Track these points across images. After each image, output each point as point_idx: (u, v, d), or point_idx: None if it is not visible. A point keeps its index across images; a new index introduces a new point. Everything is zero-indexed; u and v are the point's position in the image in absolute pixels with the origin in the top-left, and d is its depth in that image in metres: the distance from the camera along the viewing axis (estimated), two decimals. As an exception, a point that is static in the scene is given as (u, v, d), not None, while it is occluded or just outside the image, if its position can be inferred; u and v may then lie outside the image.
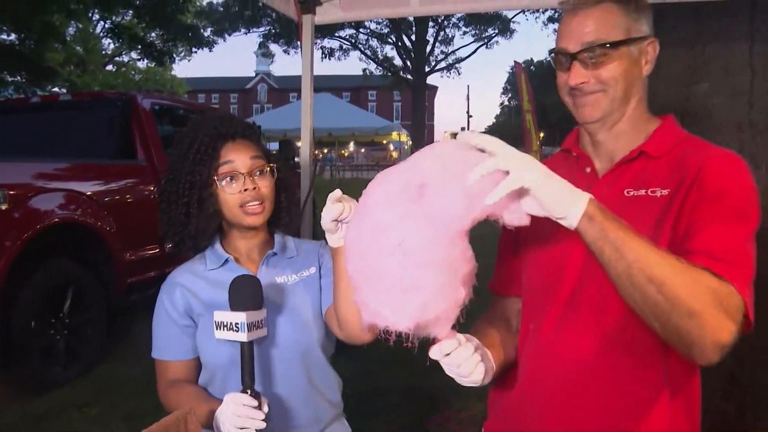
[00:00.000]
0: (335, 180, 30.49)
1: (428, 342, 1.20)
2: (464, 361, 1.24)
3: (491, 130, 69.85)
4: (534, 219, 1.56)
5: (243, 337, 1.48)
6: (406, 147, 28.51)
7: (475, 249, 1.17)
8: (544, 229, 1.51)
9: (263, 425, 1.47)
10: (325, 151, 37.41)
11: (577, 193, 1.17)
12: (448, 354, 1.22)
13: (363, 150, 45.68)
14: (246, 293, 1.53)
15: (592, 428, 1.43)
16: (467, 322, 1.24)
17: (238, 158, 1.75)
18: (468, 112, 71.41)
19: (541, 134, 19.83)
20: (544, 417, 1.50)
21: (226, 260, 1.81)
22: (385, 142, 30.47)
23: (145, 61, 30.40)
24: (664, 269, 1.16)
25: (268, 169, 1.80)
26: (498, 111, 77.25)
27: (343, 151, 41.46)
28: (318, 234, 1.99)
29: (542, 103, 35.32)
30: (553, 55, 1.52)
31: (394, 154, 37.30)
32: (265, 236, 1.89)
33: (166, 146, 5.92)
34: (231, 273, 1.73)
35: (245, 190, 1.73)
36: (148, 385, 4.46)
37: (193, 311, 1.77)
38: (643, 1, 1.50)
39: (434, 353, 1.21)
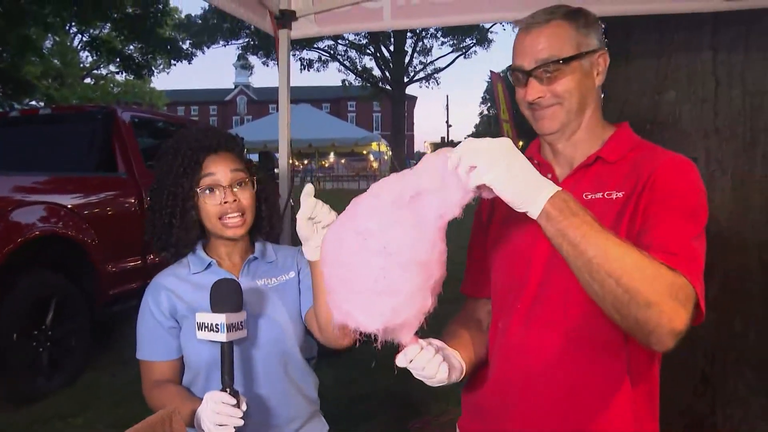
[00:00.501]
0: (316, 191, 30.37)
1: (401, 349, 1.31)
2: (427, 364, 1.32)
3: (471, 140, 69.87)
4: (500, 221, 1.65)
5: (222, 337, 1.55)
6: (386, 157, 28.63)
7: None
8: (510, 230, 1.61)
9: (241, 422, 1.53)
10: (306, 162, 37.41)
11: (538, 190, 1.25)
12: (411, 360, 1.31)
13: (343, 160, 45.73)
14: (226, 296, 1.60)
15: (560, 419, 1.51)
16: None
17: (219, 171, 1.82)
18: (447, 122, 71.98)
19: (521, 143, 19.98)
20: (513, 410, 1.57)
21: (209, 264, 1.88)
22: (365, 152, 30.56)
23: (124, 74, 30.26)
24: (623, 263, 1.22)
25: (248, 181, 1.87)
26: (477, 120, 77.69)
27: (323, 162, 41.49)
28: (297, 243, 2.07)
29: (520, 113, 35.46)
30: (510, 72, 1.60)
31: (374, 165, 37.39)
32: (245, 243, 1.96)
33: (147, 159, 5.96)
34: (214, 276, 1.79)
35: (225, 202, 1.81)
36: (132, 395, 4.51)
37: (178, 313, 1.83)
38: (592, 16, 1.59)
39: (400, 361, 1.30)
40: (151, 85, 45.86)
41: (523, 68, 1.54)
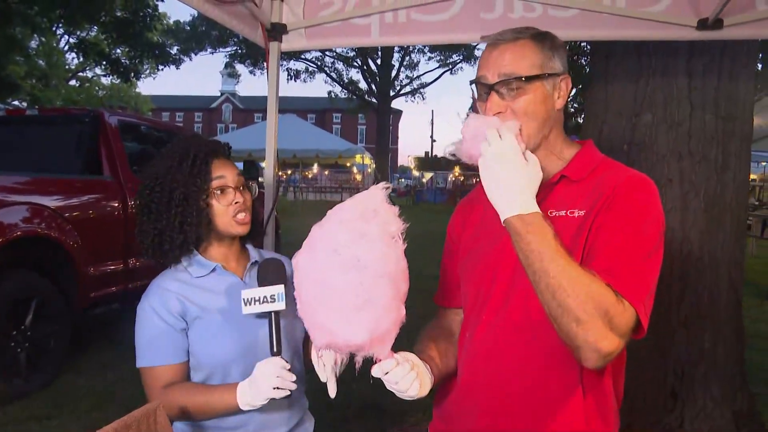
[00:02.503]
0: (299, 201, 30.44)
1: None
2: (401, 379, 1.42)
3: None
4: (471, 234, 1.72)
5: (281, 305, 1.69)
6: (369, 170, 28.70)
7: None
8: (479, 243, 1.69)
9: (295, 387, 1.66)
10: (289, 172, 37.37)
11: (511, 205, 1.38)
12: (387, 372, 1.40)
13: (327, 172, 45.73)
14: (277, 271, 1.76)
15: (520, 425, 1.57)
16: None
17: (227, 174, 1.93)
18: (432, 137, 72.08)
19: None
20: (478, 415, 1.64)
21: (215, 268, 1.95)
22: (349, 164, 30.60)
23: (110, 77, 30.12)
24: (560, 279, 1.32)
25: (246, 185, 1.99)
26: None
27: (307, 173, 41.49)
28: (278, 250, 2.16)
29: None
30: (473, 85, 1.66)
31: (358, 177, 37.43)
32: (239, 247, 2.05)
33: (132, 163, 5.98)
34: (221, 279, 1.93)
35: (236, 202, 1.92)
36: (109, 399, 4.53)
37: (188, 315, 1.87)
38: (558, 40, 1.64)
39: (375, 372, 1.40)
40: (137, 89, 45.67)
41: (487, 81, 1.58)
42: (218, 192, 1.91)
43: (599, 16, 2.79)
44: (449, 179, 47.00)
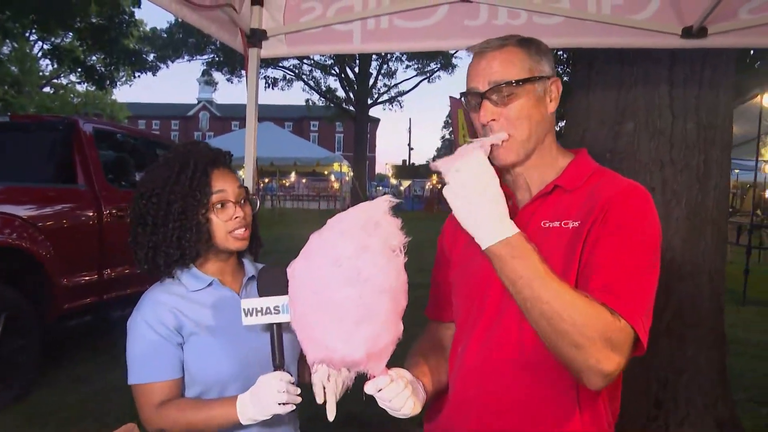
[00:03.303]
0: (276, 209, 30.31)
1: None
2: (395, 397, 1.37)
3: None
4: (462, 247, 1.68)
5: (286, 317, 1.60)
6: (347, 178, 28.65)
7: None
8: (471, 256, 1.64)
9: (299, 400, 1.60)
10: (267, 180, 37.19)
11: (490, 231, 1.34)
12: (381, 389, 1.36)
13: (304, 180, 45.61)
14: (278, 280, 1.63)
15: None
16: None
17: (228, 186, 1.85)
18: (409, 145, 72.40)
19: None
20: (470, 430, 1.59)
21: (211, 282, 1.88)
22: (326, 172, 30.56)
23: (85, 84, 29.75)
24: (554, 304, 1.29)
25: (246, 197, 1.92)
26: (439, 144, 78.39)
27: (284, 181, 41.29)
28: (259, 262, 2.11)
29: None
30: (464, 98, 1.64)
31: (335, 185, 37.36)
32: (236, 261, 1.99)
33: (108, 172, 5.88)
34: (217, 294, 1.86)
35: (236, 217, 1.84)
36: (83, 414, 4.41)
37: (184, 329, 1.81)
38: (544, 45, 1.63)
39: (369, 388, 1.35)
40: (113, 96, 45.22)
41: (477, 90, 1.56)
42: (218, 206, 1.84)
43: (584, 23, 2.77)
44: (426, 187, 47.13)
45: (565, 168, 1.63)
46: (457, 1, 2.88)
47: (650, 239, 1.46)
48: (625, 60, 3.58)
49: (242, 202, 1.88)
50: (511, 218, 1.58)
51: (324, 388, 1.51)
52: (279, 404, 1.58)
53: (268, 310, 1.62)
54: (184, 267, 1.86)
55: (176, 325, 1.80)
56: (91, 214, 5.57)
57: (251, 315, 1.63)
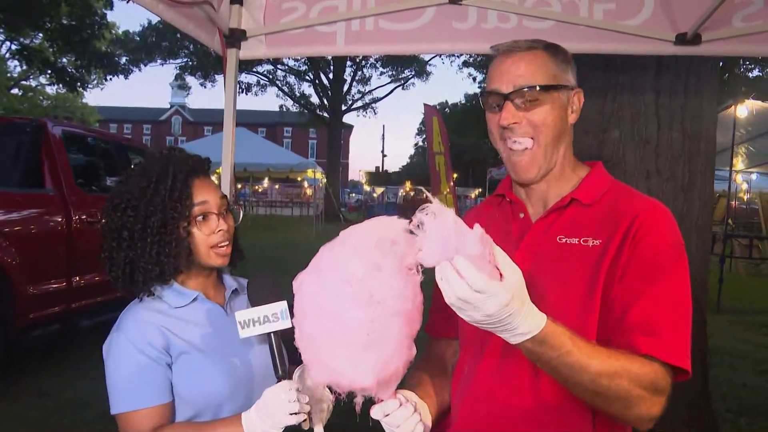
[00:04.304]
0: (249, 216, 30.09)
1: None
2: (404, 422, 1.26)
3: (405, 170, 70.89)
4: None
5: (287, 323, 1.49)
6: (320, 184, 28.46)
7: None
8: None
9: (308, 408, 1.47)
10: (240, 186, 36.91)
11: (513, 333, 1.16)
12: (388, 414, 1.24)
13: (278, 186, 45.43)
14: (271, 287, 1.56)
15: None
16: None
17: (210, 197, 1.74)
18: (383, 152, 72.43)
19: (455, 175, 20.25)
20: None
21: (195, 297, 1.77)
22: (299, 179, 30.37)
23: (55, 86, 29.22)
24: (600, 381, 1.25)
25: (229, 208, 1.81)
26: (413, 151, 78.61)
27: (257, 187, 41.02)
28: (233, 275, 2.00)
29: (456, 145, 36.23)
30: (482, 97, 1.56)
31: (309, 192, 37.21)
32: (216, 274, 1.88)
33: (77, 176, 5.71)
34: (203, 309, 1.75)
35: (220, 230, 1.73)
36: (45, 428, 4.22)
37: (173, 349, 1.68)
38: (569, 54, 1.58)
39: (375, 413, 1.23)
40: (84, 99, 44.54)
41: (500, 91, 1.50)
42: (200, 218, 1.72)
43: (575, 28, 2.70)
44: (400, 194, 47.24)
45: (581, 181, 1.57)
46: (446, 3, 2.79)
47: (683, 264, 1.42)
48: (610, 67, 3.53)
49: (224, 213, 1.77)
50: (524, 232, 1.51)
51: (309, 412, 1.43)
52: (290, 414, 1.45)
53: (266, 319, 1.51)
54: (164, 283, 1.74)
55: (164, 345, 1.68)
56: (60, 219, 5.39)
57: (248, 326, 1.51)
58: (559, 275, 1.45)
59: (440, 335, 1.75)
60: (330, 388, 1.25)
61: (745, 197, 22.27)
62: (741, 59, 23.01)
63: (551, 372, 1.26)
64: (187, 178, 1.71)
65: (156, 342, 1.66)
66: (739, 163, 12.93)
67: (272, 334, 1.52)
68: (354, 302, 1.14)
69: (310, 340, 1.20)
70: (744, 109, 10.04)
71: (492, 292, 1.06)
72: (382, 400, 1.23)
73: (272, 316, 1.51)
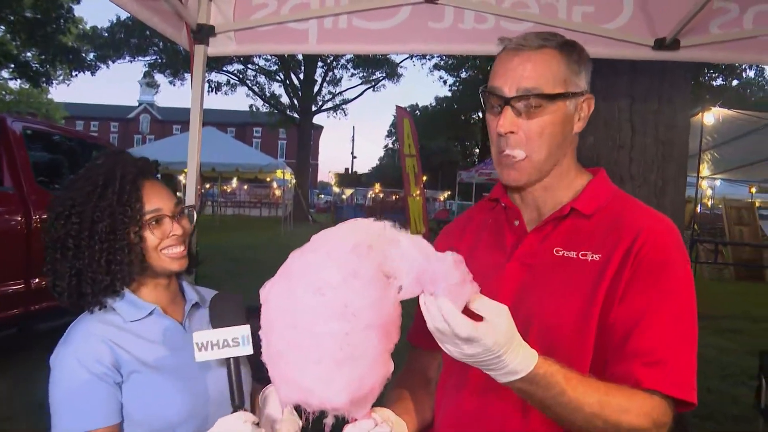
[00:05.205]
0: (217, 216, 29.78)
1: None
2: None
3: (375, 171, 70.96)
4: None
5: (248, 350, 1.39)
6: (290, 185, 28.26)
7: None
8: None
9: None
10: (208, 186, 36.51)
11: (505, 373, 1.12)
12: None
13: (246, 187, 45.10)
14: (235, 309, 1.45)
15: None
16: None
17: (162, 199, 1.64)
18: (352, 153, 72.39)
19: (424, 177, 20.28)
20: None
21: (152, 311, 1.65)
22: (269, 179, 30.17)
23: (18, 81, 28.58)
24: (596, 421, 1.19)
25: (183, 211, 1.70)
26: (382, 153, 78.71)
27: (226, 187, 40.66)
28: (199, 279, 1.90)
29: (426, 147, 36.33)
30: (483, 92, 1.45)
31: (278, 192, 36.99)
32: (176, 284, 1.77)
33: (39, 174, 5.55)
34: (159, 324, 1.63)
35: (173, 234, 1.63)
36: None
37: (124, 366, 1.56)
38: (585, 54, 1.46)
39: None
40: (49, 95, 43.70)
41: (503, 93, 1.39)
42: (153, 222, 1.61)
43: (554, 30, 2.65)
44: (369, 196, 47.26)
45: (582, 190, 1.47)
46: (422, 2, 2.73)
47: (690, 285, 1.33)
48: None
49: (178, 216, 1.67)
50: (518, 241, 1.43)
51: None
52: None
53: (226, 343, 1.39)
54: (115, 295, 1.62)
55: (114, 362, 1.55)
56: (19, 218, 5.23)
57: (205, 349, 1.40)
58: (555, 291, 1.36)
59: (424, 346, 1.59)
60: (299, 409, 1.15)
61: (710, 203, 22.70)
62: (705, 68, 23.43)
63: (542, 410, 1.20)
64: (135, 180, 1.61)
65: (105, 359, 1.54)
66: (704, 170, 13.12)
67: (231, 360, 1.41)
68: (326, 313, 1.04)
69: (278, 355, 1.10)
70: (711, 117, 10.20)
71: (477, 337, 1.03)
72: (355, 420, 1.13)
73: (232, 340, 1.39)
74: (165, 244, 1.62)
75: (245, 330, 1.40)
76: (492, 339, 1.04)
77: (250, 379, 1.70)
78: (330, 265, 1.06)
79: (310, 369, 1.05)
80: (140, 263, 1.60)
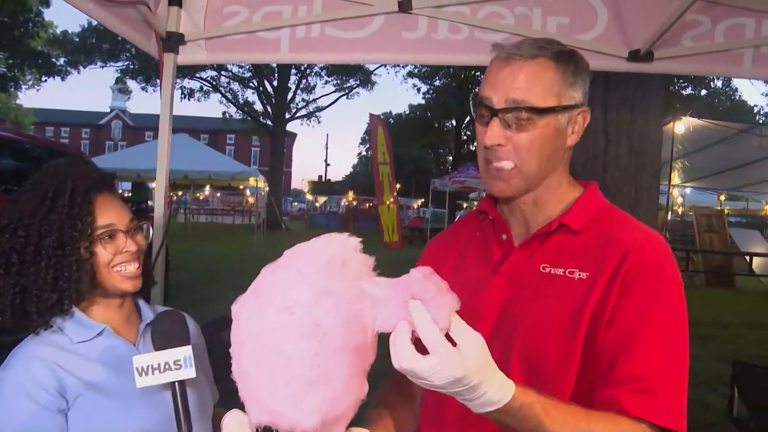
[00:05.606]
0: (189, 223, 29.51)
1: None
2: None
3: (348, 179, 70.88)
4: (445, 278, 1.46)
5: (191, 372, 1.33)
6: (263, 193, 28.10)
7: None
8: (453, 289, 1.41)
9: None
10: (180, 193, 36.18)
11: (481, 404, 1.07)
12: None
13: (219, 194, 44.83)
14: (177, 328, 1.39)
15: None
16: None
17: (116, 213, 1.57)
18: (326, 161, 72.40)
19: (398, 185, 20.29)
20: None
21: (102, 331, 1.56)
22: (242, 187, 30.03)
23: (-15, 86, 28.09)
24: None
25: (139, 226, 1.62)
26: (356, 161, 78.62)
27: (198, 195, 40.34)
28: (171, 288, 1.82)
29: (399, 155, 36.35)
30: (473, 103, 1.40)
31: (251, 200, 36.80)
32: (130, 302, 1.68)
33: (4, 182, 5.43)
34: (109, 345, 1.55)
35: (126, 250, 1.56)
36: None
37: (69, 391, 1.47)
38: (583, 64, 1.41)
39: None
40: (18, 100, 42.93)
41: (491, 104, 1.33)
42: (105, 237, 1.53)
43: (528, 41, 2.66)
44: (342, 204, 47.23)
45: (572, 204, 1.41)
46: (395, 11, 2.70)
47: (681, 307, 1.29)
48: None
49: (133, 231, 1.60)
50: (505, 256, 1.39)
51: None
52: None
53: (167, 366, 1.32)
54: (63, 314, 1.54)
55: (58, 387, 1.46)
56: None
57: (146, 374, 1.32)
58: (540, 310, 1.31)
59: None
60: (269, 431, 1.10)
61: (680, 210, 23.01)
62: (676, 77, 23.80)
63: None
64: (88, 192, 1.53)
65: (48, 384, 1.45)
66: (675, 178, 13.29)
67: (176, 384, 1.33)
68: (296, 333, 0.99)
69: (248, 375, 1.05)
70: (681, 126, 10.34)
71: (420, 374, 0.99)
72: None
73: (174, 363, 1.32)
74: (117, 261, 1.55)
75: (186, 351, 1.33)
76: (456, 368, 0.98)
77: (210, 399, 1.65)
78: (300, 282, 1.01)
79: (279, 390, 1.00)
80: (90, 281, 1.53)
